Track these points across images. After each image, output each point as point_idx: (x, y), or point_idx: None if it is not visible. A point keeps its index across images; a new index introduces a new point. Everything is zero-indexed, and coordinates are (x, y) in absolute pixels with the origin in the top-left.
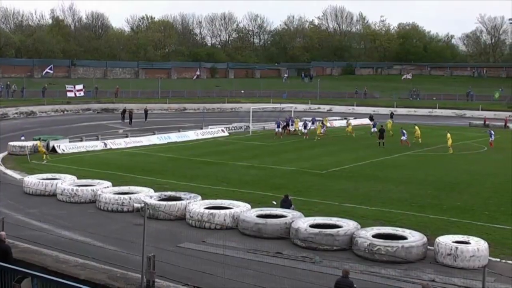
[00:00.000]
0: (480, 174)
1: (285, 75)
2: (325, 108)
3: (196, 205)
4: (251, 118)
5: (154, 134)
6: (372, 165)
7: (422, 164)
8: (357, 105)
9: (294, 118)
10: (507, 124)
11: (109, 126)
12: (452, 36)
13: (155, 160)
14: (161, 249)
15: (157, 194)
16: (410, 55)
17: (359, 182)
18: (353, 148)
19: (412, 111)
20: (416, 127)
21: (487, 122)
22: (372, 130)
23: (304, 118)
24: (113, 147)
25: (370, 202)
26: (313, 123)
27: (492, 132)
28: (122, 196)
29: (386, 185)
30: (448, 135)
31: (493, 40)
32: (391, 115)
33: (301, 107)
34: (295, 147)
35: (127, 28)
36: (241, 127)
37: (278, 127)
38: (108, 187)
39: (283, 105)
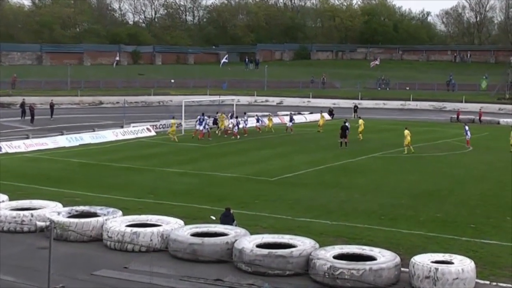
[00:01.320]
0: (464, 179)
1: (225, 60)
2: (274, 100)
3: (116, 223)
4: (183, 114)
5: (62, 134)
6: (332, 169)
7: (393, 168)
8: (313, 97)
9: (219, 114)
10: (481, 118)
11: (5, 125)
12: (428, 13)
13: (63, 167)
14: (72, 278)
15: (67, 209)
16: (377, 35)
17: (317, 191)
18: (308, 149)
19: (380, 103)
20: (360, 120)
21: (460, 116)
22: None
23: (247, 116)
24: (10, 151)
25: (331, 215)
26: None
27: (467, 128)
28: (21, 212)
29: (350, 193)
30: (406, 131)
31: (478, 18)
32: (355, 109)
33: (245, 99)
34: (238, 149)
35: (27, 2)
36: (171, 125)
37: (200, 124)
38: (3, 201)
39: (222, 98)
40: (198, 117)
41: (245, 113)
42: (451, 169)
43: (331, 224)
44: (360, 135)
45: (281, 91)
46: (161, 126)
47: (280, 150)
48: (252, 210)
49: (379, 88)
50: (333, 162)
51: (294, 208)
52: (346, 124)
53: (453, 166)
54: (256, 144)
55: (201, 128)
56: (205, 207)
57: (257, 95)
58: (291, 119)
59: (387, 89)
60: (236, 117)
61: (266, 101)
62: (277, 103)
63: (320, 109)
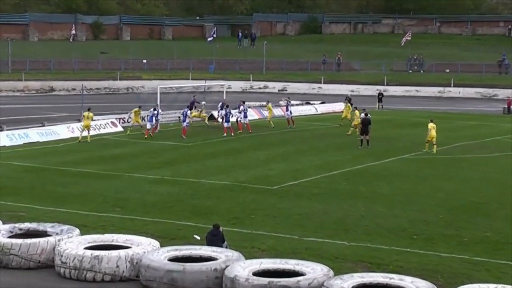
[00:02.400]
0: None
1: (212, 35)
2: (275, 86)
3: (72, 244)
4: (159, 104)
5: (1, 130)
6: (349, 175)
7: (427, 173)
8: (326, 82)
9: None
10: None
11: None
12: None
13: (3, 173)
14: None
15: (8, 227)
16: (408, 2)
17: (330, 203)
18: (319, 149)
19: (412, 90)
20: (357, 112)
21: None
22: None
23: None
24: None
25: (348, 234)
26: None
27: None
28: None
29: (372, 206)
30: (431, 125)
31: None
32: (380, 98)
33: (237, 85)
34: (228, 149)
35: None
36: (143, 118)
37: (185, 120)
38: None
39: (209, 83)
40: (184, 111)
41: (243, 102)
42: (503, 175)
43: (349, 246)
44: (351, 129)
45: (284, 74)
46: (130, 120)
47: (282, 150)
48: (247, 227)
49: (410, 71)
50: (350, 166)
51: (302, 225)
52: (368, 117)
53: (505, 171)
54: (252, 143)
55: (185, 124)
56: (187, 224)
57: (253, 80)
58: (288, 109)
59: (421, 71)
60: (227, 106)
61: (265, 87)
62: (279, 90)
63: (344, 96)
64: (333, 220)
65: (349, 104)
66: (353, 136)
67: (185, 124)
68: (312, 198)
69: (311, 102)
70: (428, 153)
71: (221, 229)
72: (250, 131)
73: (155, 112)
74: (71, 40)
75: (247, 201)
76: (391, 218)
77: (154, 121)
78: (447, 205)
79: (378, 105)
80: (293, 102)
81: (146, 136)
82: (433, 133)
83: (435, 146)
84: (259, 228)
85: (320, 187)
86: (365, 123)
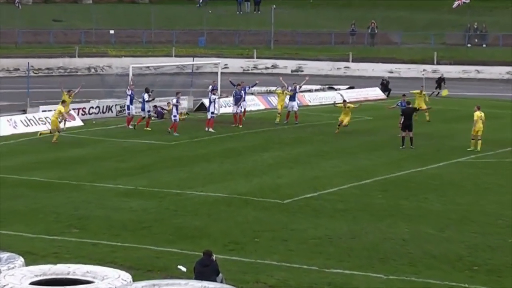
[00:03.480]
0: None
1: None
2: (287, 66)
3: (14, 278)
4: (130, 88)
5: None
6: (387, 185)
7: (490, 183)
8: (355, 60)
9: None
10: None
11: None
12: None
13: None
14: None
15: None
16: None
17: (362, 222)
18: (346, 151)
19: (471, 71)
20: (350, 105)
21: None
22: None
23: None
24: None
25: (386, 265)
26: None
27: None
28: None
29: (419, 227)
30: (478, 113)
31: None
32: (440, 82)
33: (237, 63)
34: (223, 150)
35: None
36: (110, 108)
37: (161, 114)
38: None
39: (199, 61)
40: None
41: (251, 86)
42: None
43: (387, 280)
44: (340, 126)
45: (298, 49)
46: (93, 110)
47: (296, 152)
48: (249, 255)
49: (469, 45)
50: (388, 173)
51: (323, 252)
52: (410, 106)
53: None
54: (256, 142)
55: (174, 117)
56: (168, 251)
57: (257, 57)
58: (293, 97)
59: (483, 45)
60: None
61: (273, 66)
62: (292, 71)
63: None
64: (364, 246)
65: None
66: (388, 133)
67: (174, 116)
68: (337, 216)
69: (335, 86)
70: (474, 152)
71: (214, 257)
72: (238, 124)
73: (148, 96)
74: (17, 3)
75: (250, 219)
76: (443, 243)
77: (147, 107)
78: None
79: (437, 91)
80: (311, 87)
81: (147, 128)
82: (479, 125)
83: (479, 142)
84: (266, 256)
85: (347, 201)
86: (408, 114)
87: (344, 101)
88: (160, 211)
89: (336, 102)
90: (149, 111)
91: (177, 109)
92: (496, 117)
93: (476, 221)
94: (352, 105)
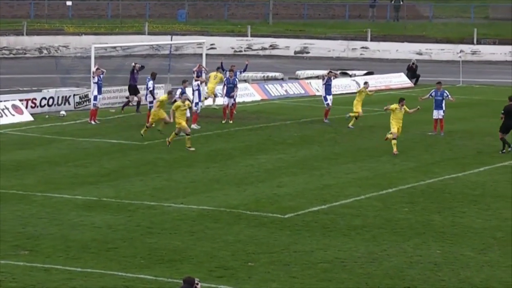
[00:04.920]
0: None
1: None
2: (289, 46)
3: None
4: (93, 76)
5: None
6: (415, 195)
7: None
8: (375, 39)
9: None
10: None
11: None
12: None
13: None
14: None
15: None
16: None
17: (383, 242)
18: (362, 153)
19: None
20: (363, 88)
21: None
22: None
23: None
24: None
25: None
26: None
27: None
28: None
29: (455, 249)
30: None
31: None
32: (413, 72)
33: (226, 43)
34: (212, 150)
35: None
36: (67, 100)
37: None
38: None
39: (178, 40)
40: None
41: (242, 71)
42: None
43: None
44: (353, 118)
45: (303, 25)
46: (45, 102)
47: (301, 154)
48: (242, 283)
49: None
50: (416, 180)
51: (334, 279)
52: None
53: None
54: (249, 141)
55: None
56: (140, 277)
57: (252, 35)
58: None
59: None
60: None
61: (271, 46)
62: (295, 52)
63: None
64: (386, 272)
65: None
66: (417, 130)
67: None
68: (352, 235)
69: (350, 72)
70: None
71: (198, 284)
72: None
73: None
74: None
75: (243, 238)
76: (485, 268)
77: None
78: None
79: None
80: (319, 72)
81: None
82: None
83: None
84: (262, 285)
85: (365, 216)
86: (510, 113)
87: (401, 100)
88: (129, 229)
89: (388, 106)
90: (151, 102)
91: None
92: None
93: None
94: (408, 109)
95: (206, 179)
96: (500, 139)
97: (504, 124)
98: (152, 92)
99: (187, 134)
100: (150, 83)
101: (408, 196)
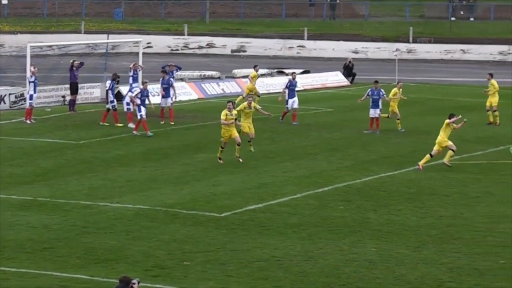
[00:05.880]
0: None
1: None
2: (226, 44)
3: None
4: (29, 74)
5: None
6: (351, 193)
7: (481, 190)
8: (311, 37)
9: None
10: None
11: None
12: None
13: None
14: None
15: None
16: None
17: (319, 240)
18: (299, 151)
19: (455, 51)
20: (395, 90)
21: None
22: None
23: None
24: None
25: None
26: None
27: None
28: None
29: (390, 246)
30: (494, 82)
31: None
32: (349, 71)
33: (162, 42)
34: (148, 150)
35: None
36: (2, 99)
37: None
38: None
39: (114, 39)
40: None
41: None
42: None
43: None
44: (391, 114)
45: (240, 24)
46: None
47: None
48: (178, 282)
49: (452, 18)
50: (352, 178)
51: (270, 278)
52: None
53: None
54: (186, 140)
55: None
56: (75, 277)
57: (189, 34)
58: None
59: (471, 19)
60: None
61: (208, 45)
62: (232, 51)
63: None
64: (322, 270)
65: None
66: (353, 129)
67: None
68: (288, 233)
69: (287, 70)
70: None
71: (136, 285)
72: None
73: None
74: None
75: (179, 237)
76: (419, 266)
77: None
78: None
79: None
80: (261, 71)
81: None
82: (495, 99)
83: (495, 113)
84: (198, 283)
85: (301, 214)
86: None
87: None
88: (65, 228)
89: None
90: (112, 102)
91: (143, 103)
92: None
93: (461, 238)
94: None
95: (142, 178)
96: None
97: None
98: (110, 91)
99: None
100: (108, 83)
101: (344, 194)
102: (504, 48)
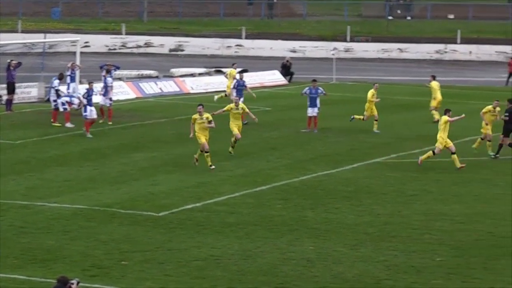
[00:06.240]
0: None
1: None
2: (164, 44)
3: None
4: None
5: None
6: (288, 192)
7: (418, 189)
8: (250, 36)
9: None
10: None
11: None
12: None
13: None
14: None
15: None
16: None
17: (256, 238)
18: (237, 150)
19: (393, 49)
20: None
21: None
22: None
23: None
24: None
25: None
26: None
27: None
28: None
29: (328, 244)
30: (435, 84)
31: None
32: (286, 70)
33: (100, 42)
34: (85, 149)
35: None
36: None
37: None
38: None
39: (52, 38)
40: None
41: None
42: None
43: None
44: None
45: (178, 23)
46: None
47: (177, 152)
48: (116, 282)
49: (390, 17)
50: (289, 177)
51: (208, 277)
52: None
53: None
54: (124, 139)
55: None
56: (13, 278)
57: (127, 33)
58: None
59: (408, 18)
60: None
61: (146, 44)
62: (170, 50)
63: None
64: (260, 268)
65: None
66: (291, 128)
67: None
68: (226, 232)
69: (225, 70)
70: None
71: (75, 285)
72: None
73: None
74: None
75: (116, 237)
76: (357, 264)
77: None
78: (450, 241)
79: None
80: (194, 70)
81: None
82: (439, 95)
83: (436, 114)
84: (136, 283)
85: (239, 213)
86: (511, 114)
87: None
88: (2, 228)
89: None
90: (55, 101)
91: (90, 103)
92: (425, 107)
93: (398, 236)
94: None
95: (80, 178)
96: (500, 143)
97: (506, 128)
98: (57, 91)
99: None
100: (56, 82)
101: (282, 193)
102: (440, 46)
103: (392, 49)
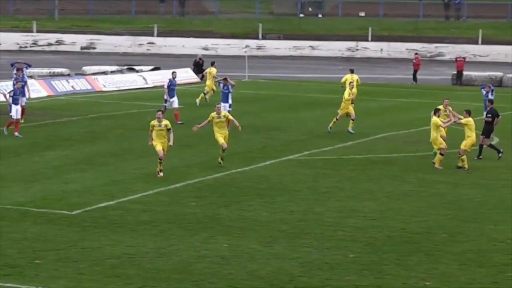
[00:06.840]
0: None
1: None
2: (75, 41)
3: None
4: None
5: None
6: (202, 189)
7: (330, 185)
8: (162, 34)
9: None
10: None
11: None
12: None
13: None
14: None
15: None
16: None
17: (170, 236)
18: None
19: (304, 47)
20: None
21: (468, 72)
22: None
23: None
24: None
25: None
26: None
27: (488, 93)
28: None
29: (241, 242)
30: (350, 77)
31: None
32: (199, 68)
33: (10, 39)
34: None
35: None
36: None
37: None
38: None
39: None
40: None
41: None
42: (453, 187)
43: None
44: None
45: (90, 21)
46: None
47: (89, 151)
48: (30, 281)
49: (301, 15)
50: (202, 175)
51: (122, 275)
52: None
53: (457, 179)
54: (36, 137)
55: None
56: None
57: (38, 30)
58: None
59: (319, 15)
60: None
61: (58, 42)
62: (82, 48)
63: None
64: (175, 266)
65: None
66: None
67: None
68: (140, 230)
69: (137, 67)
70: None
71: None
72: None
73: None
74: None
75: (29, 236)
76: (271, 261)
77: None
78: (363, 237)
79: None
80: (106, 68)
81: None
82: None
83: (351, 123)
84: (50, 282)
85: (153, 211)
86: (494, 117)
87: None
88: None
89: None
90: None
91: (16, 102)
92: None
93: (312, 233)
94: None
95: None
96: (480, 144)
97: (487, 128)
98: None
99: None
100: None
101: (196, 190)
102: (352, 44)
103: (303, 47)
